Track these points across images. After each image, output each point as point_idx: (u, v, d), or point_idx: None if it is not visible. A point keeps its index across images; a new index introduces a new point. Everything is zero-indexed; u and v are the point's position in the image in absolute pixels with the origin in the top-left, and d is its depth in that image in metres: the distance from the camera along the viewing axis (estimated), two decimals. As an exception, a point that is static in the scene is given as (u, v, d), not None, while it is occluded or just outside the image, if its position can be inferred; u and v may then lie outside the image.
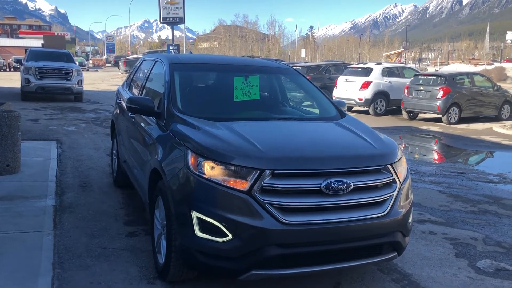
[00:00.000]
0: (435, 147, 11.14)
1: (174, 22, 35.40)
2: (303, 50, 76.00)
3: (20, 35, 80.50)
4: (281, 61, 23.75)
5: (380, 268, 3.89)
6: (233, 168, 3.01)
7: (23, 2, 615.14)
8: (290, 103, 5.02)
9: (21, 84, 16.16)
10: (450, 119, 14.23)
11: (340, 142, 3.59)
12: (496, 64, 51.04)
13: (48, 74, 16.01)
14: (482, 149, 10.63)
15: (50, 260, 3.68)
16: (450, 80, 14.44)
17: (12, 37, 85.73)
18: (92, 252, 3.96)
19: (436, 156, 10.08)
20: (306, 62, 31.38)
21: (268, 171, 2.95)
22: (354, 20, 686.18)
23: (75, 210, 5.01)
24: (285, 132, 3.67)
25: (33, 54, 17.35)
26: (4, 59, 45.55)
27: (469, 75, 15.65)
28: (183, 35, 46.90)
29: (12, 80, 25.34)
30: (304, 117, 4.43)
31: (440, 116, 14.37)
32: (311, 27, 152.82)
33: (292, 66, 17.68)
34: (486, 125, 14.39)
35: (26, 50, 19.12)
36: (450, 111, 14.20)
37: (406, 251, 4.01)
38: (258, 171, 2.95)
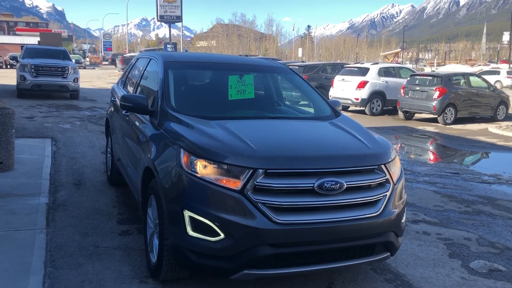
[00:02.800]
0: (430, 147, 11.16)
1: (171, 20, 35.34)
2: (300, 50, 76.01)
3: (17, 32, 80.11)
4: (277, 60, 23.73)
5: (373, 268, 3.89)
6: (225, 167, 2.99)
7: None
8: (286, 102, 5.02)
9: (17, 81, 16.08)
10: (446, 119, 14.26)
11: (334, 141, 3.58)
12: (493, 65, 51.22)
13: (44, 72, 15.95)
14: (478, 149, 10.65)
15: (42, 259, 3.66)
16: (446, 81, 14.47)
17: (9, 34, 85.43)
18: (85, 251, 3.94)
19: (431, 156, 10.10)
20: (303, 62, 31.35)
21: (261, 170, 2.94)
22: (351, 20, 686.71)
23: (68, 208, 4.99)
24: (278, 131, 3.66)
25: (29, 51, 17.27)
26: (0, 56, 45.36)
27: (465, 75, 15.69)
28: (181, 33, 46.81)
29: (8, 77, 25.22)
30: (298, 116, 4.42)
31: (436, 116, 14.40)
32: (309, 26, 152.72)
33: (289, 65, 17.64)
34: (482, 125, 14.43)
35: (22, 47, 19.03)
36: (446, 111, 14.23)
37: (399, 251, 4.02)
38: (251, 170, 2.94)
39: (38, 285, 3.27)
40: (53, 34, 50.74)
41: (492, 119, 15.44)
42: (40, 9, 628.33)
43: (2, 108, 6.10)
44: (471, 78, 15.54)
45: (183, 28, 43.20)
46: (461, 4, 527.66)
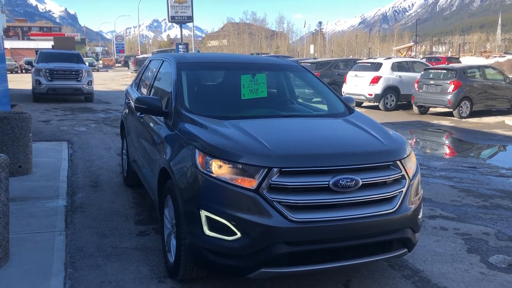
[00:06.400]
0: (446, 142, 11.04)
1: (182, 21, 35.51)
2: (311, 46, 75.65)
3: (31, 37, 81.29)
4: (288, 58, 23.67)
5: (390, 265, 3.87)
6: (240, 166, 3.01)
7: (34, 4, 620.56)
8: (299, 100, 5.01)
9: (32, 86, 16.32)
10: (462, 113, 14.09)
11: (348, 138, 3.57)
12: (508, 56, 50.38)
13: (58, 75, 16.16)
14: (494, 142, 10.51)
15: (62, 260, 3.73)
16: (461, 74, 14.29)
17: (23, 39, 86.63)
18: (103, 252, 3.99)
19: (447, 151, 9.99)
20: (315, 58, 31.24)
21: (275, 169, 2.95)
22: (363, 14, 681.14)
23: (86, 210, 5.06)
24: (292, 130, 3.66)
25: (43, 56, 17.50)
26: (15, 61, 46.08)
27: (480, 68, 15.47)
28: (192, 33, 47.01)
29: (24, 82, 25.61)
30: (312, 114, 4.42)
31: (451, 110, 14.24)
32: (320, 22, 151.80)
33: (300, 62, 17.59)
34: (498, 118, 14.22)
35: (36, 52, 19.30)
36: (461, 105, 14.06)
37: (417, 247, 4.00)
38: (266, 169, 2.95)
39: (59, 286, 3.33)
40: (66, 38, 51.27)
41: (508, 112, 15.20)
42: (53, 13, 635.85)
43: (19, 112, 6.20)
44: (487, 71, 15.32)
45: (194, 28, 43.37)
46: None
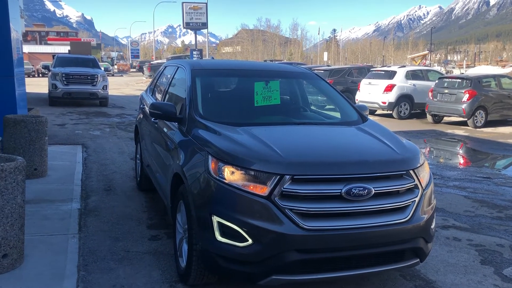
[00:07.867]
0: (460, 151, 10.94)
1: (197, 27, 35.87)
2: (325, 53, 75.59)
3: (48, 42, 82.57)
4: (301, 65, 23.70)
5: (402, 274, 3.84)
6: (253, 173, 3.02)
7: (51, 10, 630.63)
8: (312, 107, 5.02)
9: (49, 90, 16.58)
10: (476, 122, 13.95)
11: (361, 147, 3.57)
12: (525, 66, 49.68)
13: (74, 80, 16.39)
14: (510, 153, 10.37)
15: (75, 263, 3.77)
16: (476, 83, 14.16)
17: (40, 43, 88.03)
18: (116, 255, 4.03)
19: (461, 161, 9.89)
20: (328, 65, 31.20)
21: (287, 176, 2.96)
22: (377, 22, 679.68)
23: (100, 213, 5.11)
24: (305, 137, 3.67)
25: (60, 60, 17.78)
26: (33, 65, 46.80)
27: (496, 77, 15.31)
28: (206, 40, 47.34)
29: (40, 86, 25.99)
30: (325, 121, 4.43)
31: (466, 119, 14.10)
32: (334, 30, 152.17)
33: (314, 69, 17.59)
34: (514, 128, 14.05)
35: (53, 56, 19.60)
36: (476, 114, 13.92)
37: (429, 257, 3.96)
38: (278, 176, 2.96)
39: (72, 288, 3.37)
40: (82, 43, 52.03)
41: (525, 122, 15.02)
42: (70, 18, 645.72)
43: (36, 116, 6.30)
44: (502, 80, 15.16)
45: (208, 35, 43.69)
46: (491, 3, 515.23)
